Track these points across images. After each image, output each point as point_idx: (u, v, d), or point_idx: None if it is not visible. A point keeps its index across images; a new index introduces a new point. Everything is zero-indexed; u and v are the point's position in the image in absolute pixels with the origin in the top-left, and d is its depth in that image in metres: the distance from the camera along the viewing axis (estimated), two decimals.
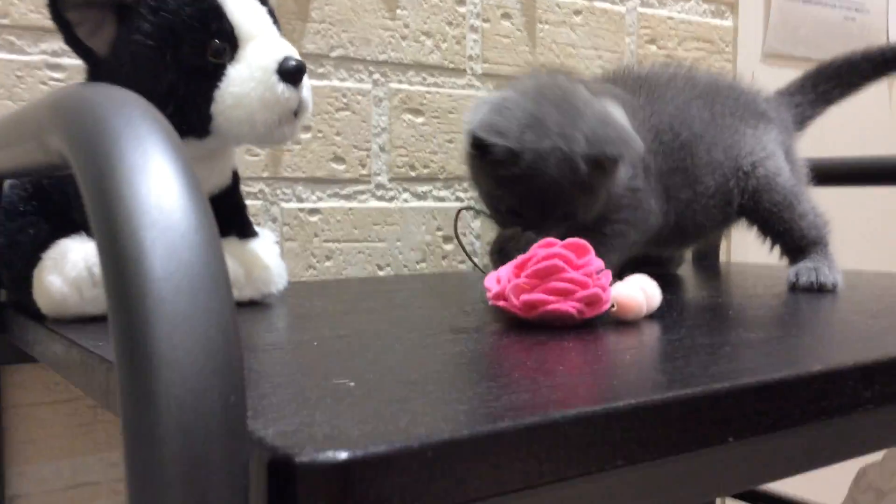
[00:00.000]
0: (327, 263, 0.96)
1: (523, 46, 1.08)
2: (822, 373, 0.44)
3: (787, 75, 1.42)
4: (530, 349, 0.49)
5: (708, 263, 1.19)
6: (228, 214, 0.73)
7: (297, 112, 0.66)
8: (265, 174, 0.91)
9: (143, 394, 0.26)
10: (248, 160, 0.90)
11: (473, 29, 1.04)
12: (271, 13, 0.68)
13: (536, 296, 0.55)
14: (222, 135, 0.65)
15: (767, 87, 1.38)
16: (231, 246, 0.71)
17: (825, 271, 0.79)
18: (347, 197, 0.96)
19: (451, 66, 1.03)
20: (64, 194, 0.66)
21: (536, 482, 0.34)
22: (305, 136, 0.93)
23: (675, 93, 0.84)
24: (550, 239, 0.59)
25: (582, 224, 0.75)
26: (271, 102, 0.63)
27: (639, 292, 0.59)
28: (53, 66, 0.80)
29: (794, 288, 0.79)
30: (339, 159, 0.95)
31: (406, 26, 0.99)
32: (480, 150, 0.72)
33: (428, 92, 1.01)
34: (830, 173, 1.12)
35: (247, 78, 0.63)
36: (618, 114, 0.75)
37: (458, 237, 0.80)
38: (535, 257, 0.56)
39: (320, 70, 0.94)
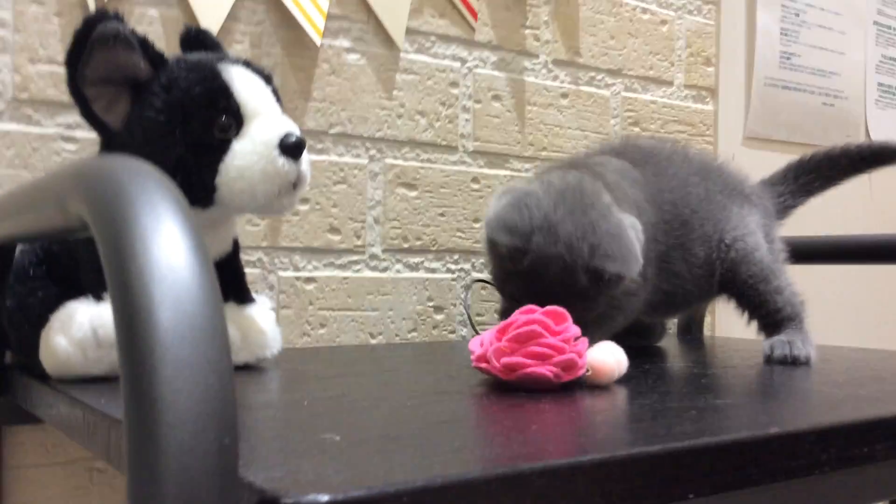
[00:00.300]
0: (321, 331, 0.99)
1: (512, 126, 1.14)
2: (778, 435, 0.47)
3: (768, 158, 1.48)
4: (507, 409, 0.53)
5: (692, 337, 1.22)
6: (228, 280, 0.76)
7: (295, 184, 0.70)
8: (264, 243, 0.95)
9: (146, 431, 0.30)
10: (248, 230, 0.94)
11: (465, 109, 1.10)
12: (275, 92, 0.73)
13: (516, 359, 0.58)
14: (225, 204, 0.69)
15: (748, 169, 1.44)
16: (229, 310, 0.75)
17: (798, 345, 0.82)
18: (342, 267, 1.00)
19: (444, 143, 1.08)
20: (73, 259, 0.69)
21: None
22: (303, 207, 0.97)
23: (676, 169, 0.88)
24: (531, 306, 0.62)
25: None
26: (272, 175, 0.68)
27: (611, 357, 0.62)
28: (67, 139, 0.84)
29: (768, 360, 0.82)
30: (334, 230, 0.99)
31: (402, 106, 1.05)
32: (492, 242, 0.76)
33: (421, 167, 1.06)
34: (815, 251, 1.17)
35: (250, 152, 0.67)
36: (631, 230, 0.76)
37: (465, 305, 0.81)
38: (515, 322, 0.60)
39: (319, 146, 0.99)
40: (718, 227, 0.87)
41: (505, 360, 0.59)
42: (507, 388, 0.60)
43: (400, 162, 1.04)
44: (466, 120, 1.10)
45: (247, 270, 0.92)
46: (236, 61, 0.71)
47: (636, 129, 1.26)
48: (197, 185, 0.67)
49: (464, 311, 0.80)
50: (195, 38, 0.76)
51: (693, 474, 0.44)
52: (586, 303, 0.75)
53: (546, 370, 0.58)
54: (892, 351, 0.95)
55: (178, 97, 0.66)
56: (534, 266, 0.74)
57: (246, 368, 0.74)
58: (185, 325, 0.31)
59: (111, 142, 0.68)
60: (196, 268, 0.33)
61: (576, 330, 0.61)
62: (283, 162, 0.68)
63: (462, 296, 0.78)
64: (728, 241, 0.87)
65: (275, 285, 0.96)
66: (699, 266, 0.87)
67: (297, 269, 0.97)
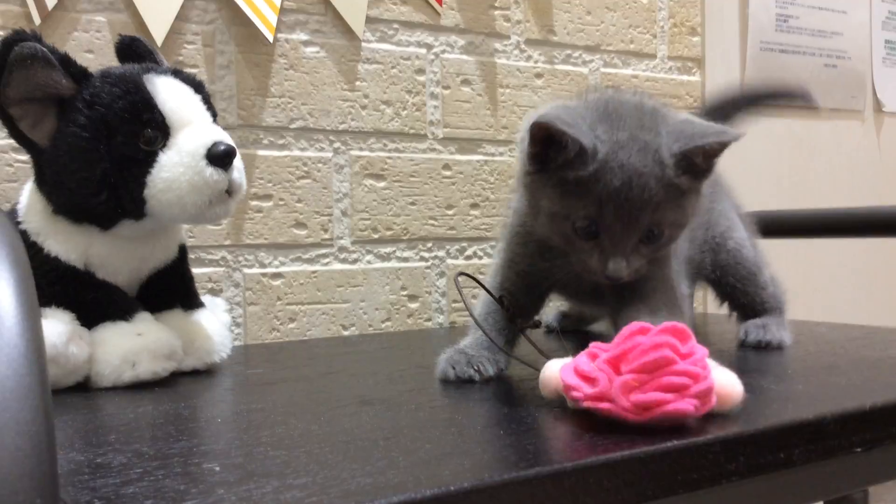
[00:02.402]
0: (291, 325, 0.99)
1: (484, 110, 1.12)
2: (676, 448, 0.46)
3: (767, 124, 1.44)
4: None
5: None
6: (174, 287, 0.77)
7: (229, 192, 0.70)
8: (227, 242, 0.95)
9: None
10: (210, 229, 0.94)
11: (434, 96, 1.08)
12: (206, 100, 0.73)
13: (651, 396, 0.47)
14: (157, 216, 0.69)
15: (749, 137, 1.40)
16: (175, 317, 0.75)
17: (773, 329, 0.81)
18: (310, 261, 1.00)
19: (412, 131, 1.07)
20: None
21: None
22: (266, 204, 0.97)
23: None
24: (641, 324, 0.51)
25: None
26: (200, 186, 0.67)
27: (735, 380, 0.52)
28: (18, 149, 0.85)
29: (742, 344, 0.81)
30: (300, 225, 0.99)
31: (366, 96, 1.03)
32: (544, 150, 0.61)
33: (389, 157, 1.05)
34: (815, 224, 1.14)
35: (177, 163, 0.67)
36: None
37: (465, 303, 0.67)
38: (639, 347, 0.48)
39: (280, 141, 0.98)
40: (703, 235, 0.83)
41: (637, 397, 0.47)
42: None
43: (366, 153, 1.04)
44: (435, 107, 1.08)
45: (210, 269, 0.93)
46: (164, 71, 0.71)
47: None
48: (125, 198, 0.68)
49: (469, 314, 0.68)
50: (128, 47, 0.76)
51: (588, 490, 0.43)
52: (680, 204, 0.62)
53: (688, 405, 0.47)
54: (874, 328, 0.93)
55: (101, 112, 0.66)
56: (608, 160, 0.59)
57: (193, 374, 0.74)
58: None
59: (40, 159, 0.68)
60: (15, 326, 0.33)
61: (703, 351, 0.50)
62: (211, 172, 0.68)
63: (462, 297, 0.67)
64: (715, 243, 0.83)
65: (240, 283, 0.96)
66: (690, 264, 0.81)
67: (262, 265, 0.97)
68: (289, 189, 0.99)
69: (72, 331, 0.67)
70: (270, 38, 0.95)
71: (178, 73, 0.72)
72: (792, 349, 0.80)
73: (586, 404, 0.49)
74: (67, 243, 0.70)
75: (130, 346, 0.68)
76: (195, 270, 0.92)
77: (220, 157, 0.68)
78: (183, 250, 0.79)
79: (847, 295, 1.55)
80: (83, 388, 0.68)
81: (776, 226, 1.18)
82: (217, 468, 0.43)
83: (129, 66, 0.70)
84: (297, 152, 0.99)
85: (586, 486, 0.43)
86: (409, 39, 1.06)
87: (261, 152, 0.97)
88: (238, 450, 0.47)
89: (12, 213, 0.72)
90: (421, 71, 1.07)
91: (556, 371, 0.53)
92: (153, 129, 0.67)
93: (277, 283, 0.98)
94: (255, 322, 0.97)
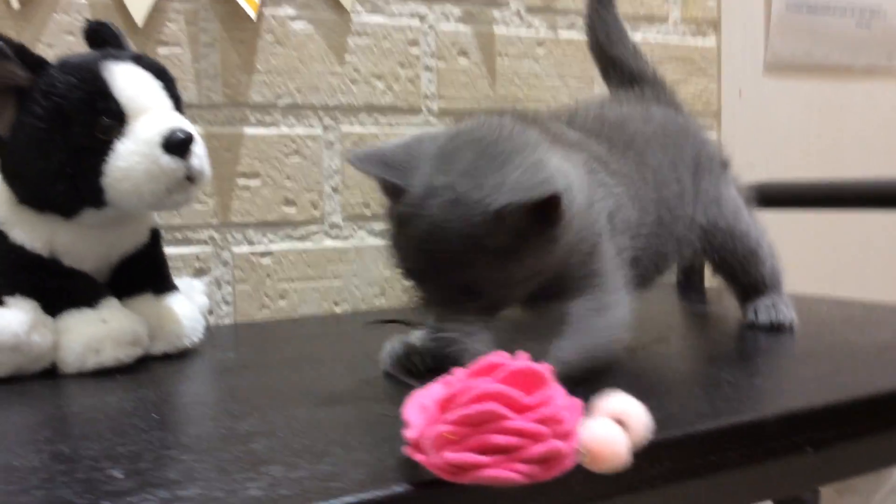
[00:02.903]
0: (281, 303, 0.99)
1: (482, 81, 1.09)
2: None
3: (793, 88, 1.38)
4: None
5: (691, 288, 1.17)
6: (145, 272, 0.77)
7: (191, 178, 0.70)
8: (214, 221, 0.95)
9: None
10: (197, 209, 0.94)
11: (428, 68, 1.06)
12: (169, 86, 0.72)
13: (465, 456, 0.39)
14: (117, 205, 0.69)
15: (772, 101, 1.35)
16: (145, 302, 0.76)
17: (783, 309, 0.79)
18: (300, 238, 1.00)
19: (406, 106, 1.05)
20: None
21: None
22: (254, 182, 0.97)
23: (655, 157, 0.73)
24: (497, 359, 0.42)
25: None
26: (156, 174, 0.67)
27: (617, 431, 0.42)
28: None
29: (752, 326, 0.79)
30: (290, 203, 0.99)
31: (356, 71, 1.02)
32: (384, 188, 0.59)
33: (381, 133, 1.03)
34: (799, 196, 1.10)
35: (133, 152, 0.67)
36: (561, 166, 0.58)
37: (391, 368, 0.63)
38: (465, 393, 0.40)
39: (268, 119, 0.97)
40: (698, 211, 0.77)
41: (449, 455, 0.39)
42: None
43: (357, 129, 1.02)
44: (430, 80, 1.06)
45: (198, 248, 0.93)
46: (124, 57, 0.71)
47: None
48: (84, 188, 0.68)
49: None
50: (95, 32, 0.76)
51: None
52: (498, 265, 0.54)
53: (512, 472, 0.39)
54: (876, 305, 0.89)
55: (56, 102, 0.66)
56: (418, 205, 0.54)
57: (165, 359, 0.75)
58: None
59: (1, 149, 0.69)
60: None
61: (564, 399, 0.41)
62: (167, 160, 0.67)
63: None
64: (711, 225, 0.78)
65: (229, 262, 0.96)
66: (682, 247, 0.76)
67: (251, 243, 0.98)
68: (277, 167, 0.98)
69: (34, 319, 0.68)
70: (254, 16, 0.94)
71: (139, 60, 0.71)
72: (776, 334, 0.77)
73: (405, 450, 0.41)
74: (32, 232, 0.70)
75: (94, 333, 0.69)
76: (182, 250, 0.94)
77: (176, 145, 0.67)
78: (155, 234, 0.79)
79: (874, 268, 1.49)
80: (51, 374, 0.69)
81: (796, 196, 1.14)
82: (120, 475, 0.43)
83: (88, 54, 0.70)
84: (285, 130, 0.98)
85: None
86: (402, 10, 1.04)
87: (248, 130, 0.97)
88: (151, 453, 0.47)
89: None
90: (414, 43, 1.05)
91: None
92: (109, 117, 0.67)
93: (266, 261, 0.98)
94: (245, 300, 0.97)
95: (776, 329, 0.78)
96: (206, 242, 0.95)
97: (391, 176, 0.56)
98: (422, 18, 1.05)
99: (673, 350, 0.71)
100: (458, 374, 0.43)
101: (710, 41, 1.27)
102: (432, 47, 1.06)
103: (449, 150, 0.56)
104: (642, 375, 0.63)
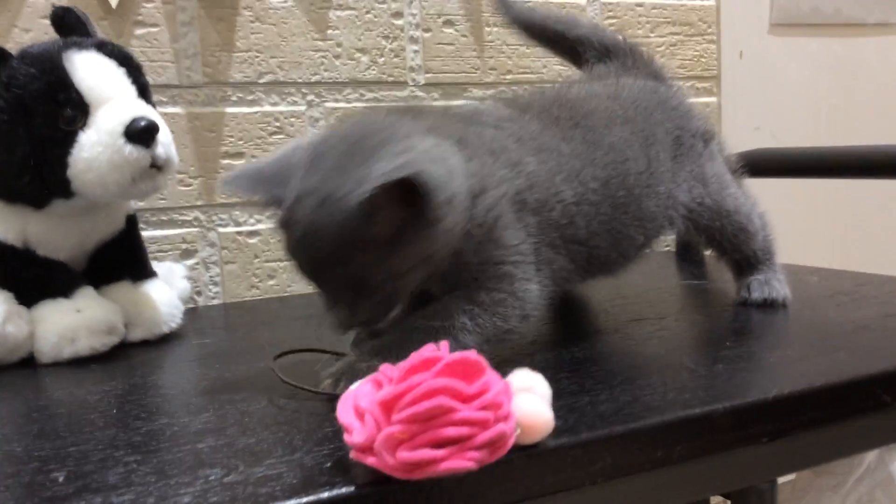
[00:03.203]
0: (270, 282, 1.00)
1: (470, 52, 1.07)
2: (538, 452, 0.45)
3: (799, 46, 1.34)
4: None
5: (690, 258, 1.16)
6: (121, 259, 0.77)
7: (160, 167, 0.70)
8: (199, 202, 0.95)
9: None
10: (181, 190, 0.94)
11: (413, 40, 1.04)
12: (134, 73, 0.72)
13: (420, 453, 0.39)
14: (84, 195, 0.69)
15: (779, 60, 1.31)
16: (123, 290, 0.76)
17: (776, 286, 0.78)
18: None
19: (391, 79, 1.03)
20: None
21: None
22: (238, 162, 0.96)
23: (613, 136, 0.70)
24: (429, 354, 0.43)
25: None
26: (120, 164, 0.67)
27: (544, 406, 0.45)
28: None
29: (745, 303, 0.78)
30: None
31: (339, 45, 1.00)
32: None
33: (367, 107, 1.02)
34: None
35: (95, 143, 0.67)
36: (434, 151, 0.56)
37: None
38: (412, 391, 0.40)
39: (249, 97, 0.97)
40: (664, 205, 0.73)
41: (404, 455, 0.39)
42: None
43: (342, 104, 1.01)
44: (415, 51, 1.05)
45: (184, 230, 0.94)
46: (87, 45, 0.70)
47: (619, 38, 1.17)
48: (50, 179, 0.68)
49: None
50: (61, 19, 0.75)
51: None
52: (368, 257, 0.54)
53: (466, 461, 0.40)
54: (871, 276, 0.87)
55: (17, 94, 0.66)
56: (291, 215, 0.55)
57: (144, 344, 0.75)
58: None
59: None
60: None
61: (498, 383, 0.43)
62: (130, 150, 0.67)
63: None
64: (696, 204, 0.75)
65: (216, 242, 0.97)
66: (633, 248, 0.72)
67: (237, 224, 0.98)
68: (261, 146, 0.98)
69: (8, 310, 0.69)
70: None
71: (102, 47, 0.71)
72: (757, 312, 0.76)
73: (352, 455, 0.41)
74: (4, 223, 0.71)
75: (69, 322, 0.70)
76: (168, 232, 0.94)
77: (138, 134, 0.67)
78: (131, 221, 0.79)
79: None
80: (30, 363, 0.70)
81: (792, 165, 1.11)
82: (61, 478, 0.44)
83: (50, 43, 0.70)
84: (268, 108, 0.98)
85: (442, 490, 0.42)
86: None
87: (229, 109, 0.96)
88: (99, 453, 0.47)
89: None
90: (398, 14, 1.03)
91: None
92: (71, 108, 0.67)
93: (254, 240, 0.98)
94: (233, 280, 0.98)
95: (769, 306, 0.77)
96: (191, 224, 0.95)
97: (264, 191, 0.57)
98: None
99: (645, 332, 0.70)
100: (387, 371, 0.43)
101: (708, 2, 1.23)
102: (417, 18, 1.04)
103: (319, 153, 0.56)
104: (605, 361, 0.62)
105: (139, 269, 0.78)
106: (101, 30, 0.88)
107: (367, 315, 0.56)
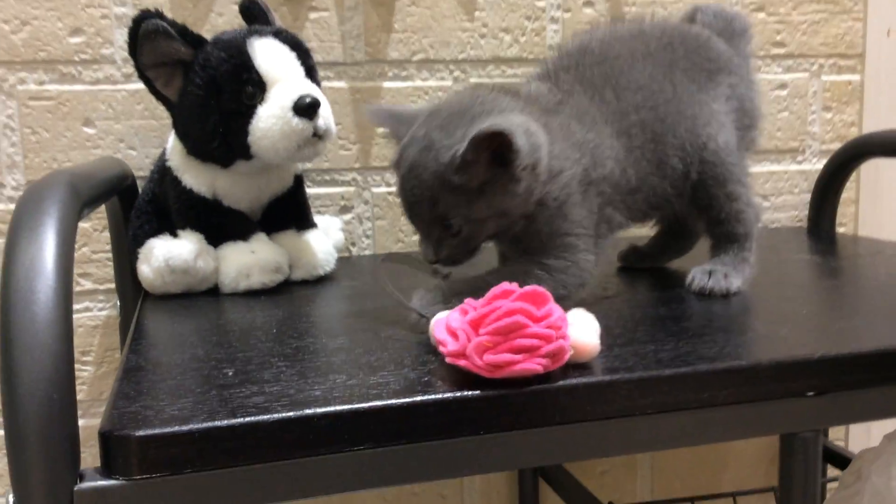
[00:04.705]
0: (415, 237, 1.12)
1: None
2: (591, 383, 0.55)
3: None
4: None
5: None
6: (289, 212, 0.93)
7: (320, 136, 0.84)
8: (357, 165, 1.10)
9: (7, 391, 0.47)
10: (341, 154, 1.09)
11: (554, 20, 1.13)
12: (303, 56, 0.86)
13: (502, 356, 0.52)
14: (261, 157, 0.84)
15: None
16: (288, 237, 0.92)
17: (720, 277, 0.78)
18: None
19: (531, 56, 1.13)
20: (166, 200, 0.89)
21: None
22: None
23: (638, 76, 0.76)
24: (506, 286, 0.55)
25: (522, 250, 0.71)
26: (289, 133, 0.82)
27: (594, 335, 0.58)
28: None
29: (688, 290, 0.79)
30: None
31: (485, 26, 1.11)
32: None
33: (507, 83, 1.12)
34: None
35: (270, 115, 0.82)
36: (525, 122, 0.66)
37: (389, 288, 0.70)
38: (495, 312, 0.53)
39: (403, 73, 1.09)
40: (690, 129, 0.77)
41: (489, 357, 0.52)
42: None
43: (485, 80, 1.12)
44: (555, 31, 1.14)
45: (343, 189, 1.09)
46: (266, 32, 0.85)
47: (761, 16, 1.20)
48: (234, 144, 0.83)
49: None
50: (247, 9, 0.90)
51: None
52: (461, 199, 0.65)
53: (536, 364, 0.53)
54: None
55: (211, 74, 0.82)
56: (402, 154, 0.68)
57: (303, 283, 0.91)
58: (32, 323, 0.48)
59: (173, 112, 0.86)
60: (48, 275, 0.49)
61: (559, 311, 0.55)
62: (297, 122, 0.81)
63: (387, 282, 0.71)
64: (700, 143, 0.77)
65: (369, 200, 1.11)
66: (678, 177, 0.78)
67: (388, 185, 1.11)
68: None
69: (199, 249, 0.85)
70: None
71: (278, 34, 0.85)
72: (831, 282, 0.80)
73: (448, 360, 0.54)
74: (199, 178, 0.87)
75: (245, 261, 0.86)
76: (330, 190, 1.09)
77: (304, 109, 0.81)
78: (298, 180, 0.94)
79: None
80: (214, 293, 0.87)
81: None
82: (230, 373, 0.58)
83: (237, 31, 0.85)
84: (419, 83, 1.10)
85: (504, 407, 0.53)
86: None
87: (386, 84, 1.09)
88: (259, 359, 0.62)
89: (162, 153, 0.91)
90: None
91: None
92: (252, 86, 0.82)
93: None
94: (383, 234, 1.12)
95: (708, 296, 0.77)
96: (349, 184, 1.10)
97: (392, 127, 0.71)
98: None
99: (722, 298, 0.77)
100: (471, 303, 0.56)
101: None
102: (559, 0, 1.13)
103: (435, 111, 0.69)
104: (682, 319, 0.70)
105: (303, 221, 0.93)
106: (280, 14, 1.03)
107: (449, 253, 0.69)
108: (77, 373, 1.03)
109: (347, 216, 1.10)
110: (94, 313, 1.04)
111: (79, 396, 0.85)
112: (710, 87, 0.80)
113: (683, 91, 0.78)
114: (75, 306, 1.02)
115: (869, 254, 1.00)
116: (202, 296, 0.86)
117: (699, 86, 0.79)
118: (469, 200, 0.66)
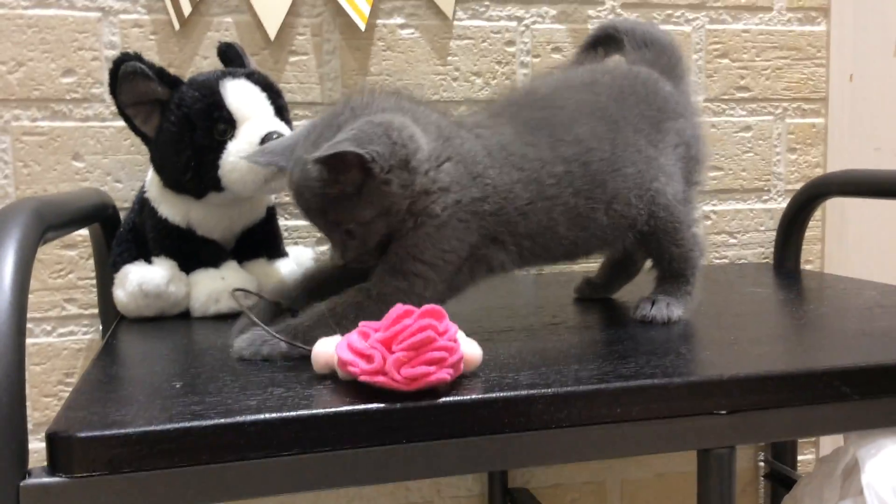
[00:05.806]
0: None
1: None
2: (508, 397, 0.59)
3: None
4: None
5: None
6: (260, 241, 0.98)
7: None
8: None
9: None
10: None
11: (523, 64, 1.19)
12: (273, 96, 0.91)
13: (418, 369, 0.57)
14: (231, 190, 0.89)
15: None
16: (259, 265, 0.97)
17: (661, 307, 0.81)
18: None
19: None
20: (145, 231, 0.95)
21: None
22: None
23: (578, 128, 0.77)
24: (405, 307, 0.60)
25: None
26: (255, 167, 0.87)
27: (477, 346, 0.64)
28: None
29: (633, 317, 0.83)
30: None
31: (457, 69, 1.17)
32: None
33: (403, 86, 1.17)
34: None
35: (239, 150, 0.87)
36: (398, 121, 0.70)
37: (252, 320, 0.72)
38: (408, 328, 0.58)
39: None
40: (638, 184, 0.79)
41: (406, 371, 0.57)
42: None
43: None
44: (524, 74, 1.19)
45: None
46: (239, 74, 0.91)
47: (724, 62, 1.25)
48: (206, 177, 0.89)
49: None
50: (224, 53, 0.96)
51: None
52: (336, 205, 0.69)
53: (445, 374, 0.58)
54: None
55: (185, 112, 0.88)
56: (290, 177, 0.72)
57: None
58: None
59: (150, 147, 0.92)
60: (3, 293, 0.54)
61: (454, 326, 0.61)
62: None
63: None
64: (648, 198, 0.79)
65: None
66: (605, 229, 0.79)
67: None
68: None
69: (172, 274, 0.90)
70: (363, 27, 1.11)
71: (250, 76, 0.91)
72: (785, 311, 0.84)
73: (363, 378, 0.58)
74: (174, 208, 0.93)
75: (215, 287, 0.90)
76: (306, 223, 1.14)
77: None
78: (271, 211, 1.00)
79: None
80: (185, 317, 0.92)
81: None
82: (178, 385, 0.63)
83: (211, 73, 0.91)
84: None
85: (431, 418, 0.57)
86: (500, 14, 1.17)
87: None
88: (208, 374, 0.66)
89: (142, 186, 0.97)
90: (511, 42, 1.18)
91: (327, 349, 0.63)
92: (223, 123, 0.88)
93: None
94: None
95: (649, 323, 0.81)
96: None
97: (278, 161, 0.75)
98: (519, 20, 1.18)
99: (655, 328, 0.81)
100: (369, 325, 0.61)
101: (819, 27, 1.28)
102: (528, 45, 1.19)
103: (312, 127, 0.73)
104: (626, 342, 0.74)
105: (274, 250, 0.99)
106: (262, 57, 1.09)
107: (354, 255, 0.72)
108: (60, 393, 1.08)
109: (323, 248, 1.15)
110: (79, 337, 1.09)
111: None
112: (659, 140, 0.81)
113: (628, 148, 0.78)
114: (60, 330, 1.08)
115: (821, 288, 1.04)
116: (174, 319, 0.91)
117: (648, 139, 0.80)
118: (353, 205, 0.69)
